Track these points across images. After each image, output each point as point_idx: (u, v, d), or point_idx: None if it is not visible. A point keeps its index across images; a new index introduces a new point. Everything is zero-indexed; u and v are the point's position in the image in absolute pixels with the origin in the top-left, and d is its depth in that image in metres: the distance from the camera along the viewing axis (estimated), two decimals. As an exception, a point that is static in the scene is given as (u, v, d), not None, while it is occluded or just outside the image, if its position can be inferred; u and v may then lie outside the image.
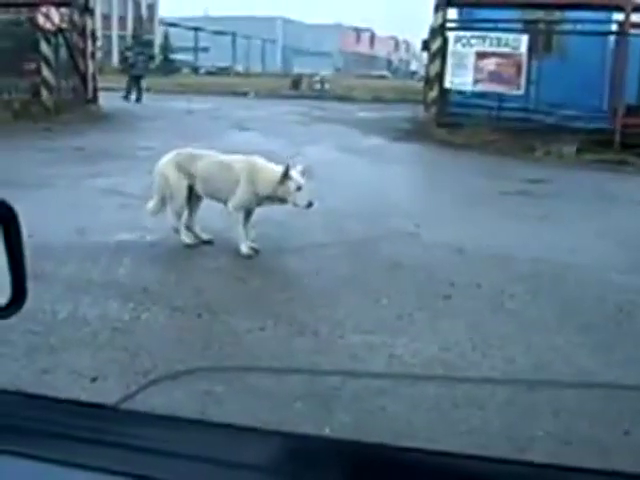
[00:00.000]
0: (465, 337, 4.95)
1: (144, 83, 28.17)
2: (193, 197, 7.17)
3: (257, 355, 4.69)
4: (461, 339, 4.92)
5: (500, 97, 17.15)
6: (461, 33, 17.44)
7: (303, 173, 6.69)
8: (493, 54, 17.02)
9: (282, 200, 6.69)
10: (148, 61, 34.45)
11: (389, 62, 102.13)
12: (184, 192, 7.06)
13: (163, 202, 7.21)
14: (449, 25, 17.83)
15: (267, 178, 6.65)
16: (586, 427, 3.69)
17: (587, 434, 3.61)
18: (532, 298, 5.90)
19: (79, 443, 0.99)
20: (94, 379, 4.13)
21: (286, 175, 6.53)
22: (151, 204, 7.28)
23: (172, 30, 68.34)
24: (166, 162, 7.15)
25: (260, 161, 6.88)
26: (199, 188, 7.07)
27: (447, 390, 4.06)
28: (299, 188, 6.54)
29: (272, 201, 6.79)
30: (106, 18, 65.48)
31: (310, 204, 6.54)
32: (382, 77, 68.56)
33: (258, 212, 7.02)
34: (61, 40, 19.97)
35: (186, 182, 7.05)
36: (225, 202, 6.91)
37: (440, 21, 17.54)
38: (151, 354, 4.53)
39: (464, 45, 17.18)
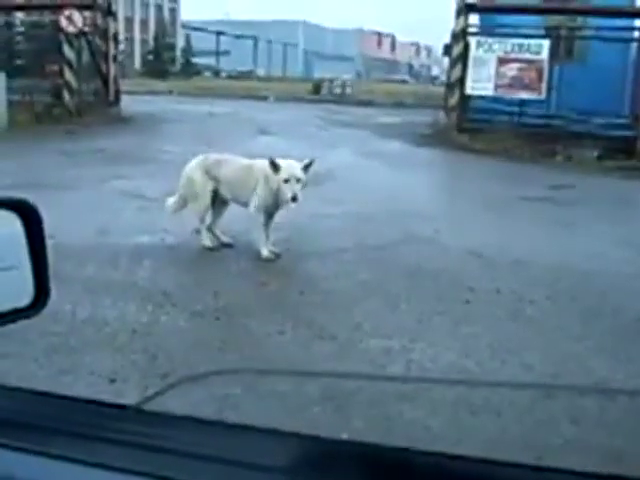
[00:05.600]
0: (484, 343, 4.93)
1: None
2: (218, 202, 7.20)
3: (275, 359, 4.69)
4: (480, 345, 4.90)
5: (521, 103, 17.10)
6: (482, 38, 17.41)
7: (306, 167, 6.60)
8: (514, 60, 16.98)
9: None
10: None
11: (410, 67, 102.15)
12: (209, 196, 7.10)
13: (184, 202, 7.26)
14: (470, 30, 17.80)
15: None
16: (605, 436, 3.67)
17: (606, 443, 3.58)
18: (552, 305, 5.88)
19: (100, 443, 1.00)
20: (113, 381, 4.15)
21: (274, 166, 6.53)
22: (171, 200, 7.33)
23: (194, 33, 68.60)
24: (194, 165, 7.20)
25: (277, 160, 6.88)
26: (224, 192, 7.10)
27: (465, 396, 4.04)
28: (286, 180, 6.47)
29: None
30: (128, 21, 65.91)
31: (294, 198, 6.42)
32: (403, 82, 68.54)
33: (278, 216, 7.02)
34: (83, 43, 20.07)
35: (211, 186, 7.09)
36: (246, 205, 6.93)
37: (462, 26, 17.51)
38: (170, 357, 4.54)
39: (485, 50, 17.15)
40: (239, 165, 7.13)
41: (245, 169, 7.00)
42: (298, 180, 6.49)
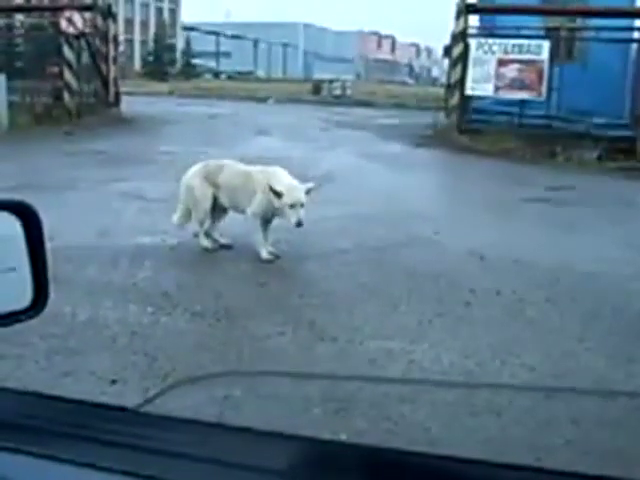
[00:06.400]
0: (485, 344, 4.93)
1: None
2: (218, 209, 7.19)
3: (276, 360, 4.69)
4: (481, 346, 4.89)
5: (521, 104, 17.10)
6: (482, 40, 17.40)
7: (308, 191, 6.61)
8: (514, 61, 16.98)
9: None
10: None
11: (410, 68, 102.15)
12: (209, 201, 7.09)
13: (189, 213, 7.25)
14: (470, 32, 17.79)
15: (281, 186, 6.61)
16: (607, 437, 3.66)
17: (608, 444, 3.58)
18: (552, 306, 5.87)
19: (100, 445, 1.00)
20: (113, 382, 4.15)
21: (274, 192, 6.50)
22: (177, 216, 7.32)
23: (194, 35, 68.60)
24: (193, 173, 7.20)
25: (279, 172, 6.85)
26: (223, 198, 7.09)
27: (465, 397, 4.04)
28: (292, 206, 6.46)
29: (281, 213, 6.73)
30: (128, 23, 65.96)
31: (299, 224, 6.43)
32: (403, 83, 68.55)
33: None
34: (83, 44, 20.08)
35: (211, 192, 7.08)
36: (243, 212, 6.95)
37: (461, 27, 17.50)
38: (170, 358, 4.54)
39: (485, 52, 17.14)
40: (237, 171, 7.11)
41: (244, 176, 7.00)
42: (302, 205, 6.49)
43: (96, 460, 0.95)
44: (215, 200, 7.13)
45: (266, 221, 6.92)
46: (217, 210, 7.21)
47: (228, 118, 22.76)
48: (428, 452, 1.01)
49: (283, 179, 6.71)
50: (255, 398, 3.86)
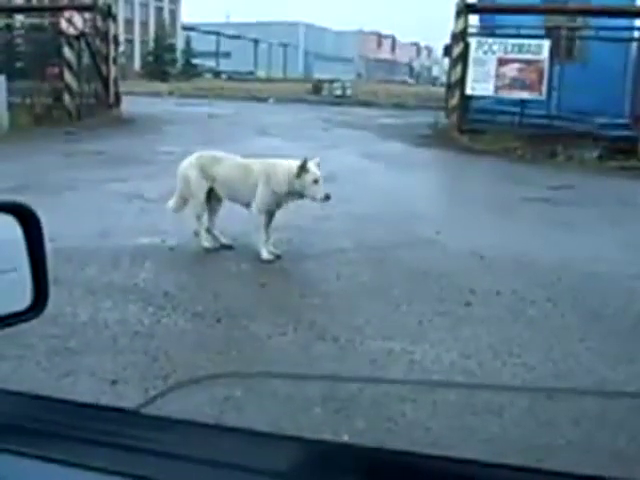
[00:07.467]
0: (485, 344, 4.93)
1: None
2: (213, 199, 7.19)
3: (277, 360, 4.69)
4: (481, 346, 4.89)
5: (522, 103, 17.10)
6: (483, 39, 17.40)
7: (318, 165, 6.67)
8: (515, 60, 16.97)
9: (300, 195, 6.70)
10: None
11: (411, 68, 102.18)
12: (204, 193, 7.09)
13: (184, 201, 7.26)
14: (470, 31, 17.79)
15: (283, 174, 6.66)
16: (607, 437, 3.66)
17: (608, 444, 3.57)
18: (553, 306, 5.86)
19: (99, 446, 1.00)
20: (114, 382, 4.14)
21: (303, 168, 6.54)
22: (172, 201, 7.33)
23: (194, 35, 68.61)
24: (188, 164, 7.19)
25: (277, 160, 6.90)
26: (220, 190, 7.10)
27: (466, 397, 4.04)
28: (316, 181, 6.53)
29: (291, 197, 6.78)
30: (128, 23, 65.96)
31: (327, 197, 6.50)
32: (404, 83, 68.58)
33: (279, 218, 7.02)
34: (84, 45, 20.04)
35: (207, 184, 7.08)
36: (247, 205, 6.94)
37: (461, 27, 17.51)
38: (171, 358, 4.54)
39: (485, 51, 17.14)
40: (235, 164, 7.12)
41: (242, 168, 7.00)
42: (320, 180, 6.57)
43: (94, 462, 0.94)
44: (210, 191, 7.13)
45: (271, 214, 6.92)
46: (213, 201, 7.20)
47: (229, 118, 22.76)
48: (428, 453, 1.01)
49: (285, 162, 6.78)
50: (256, 399, 3.86)
